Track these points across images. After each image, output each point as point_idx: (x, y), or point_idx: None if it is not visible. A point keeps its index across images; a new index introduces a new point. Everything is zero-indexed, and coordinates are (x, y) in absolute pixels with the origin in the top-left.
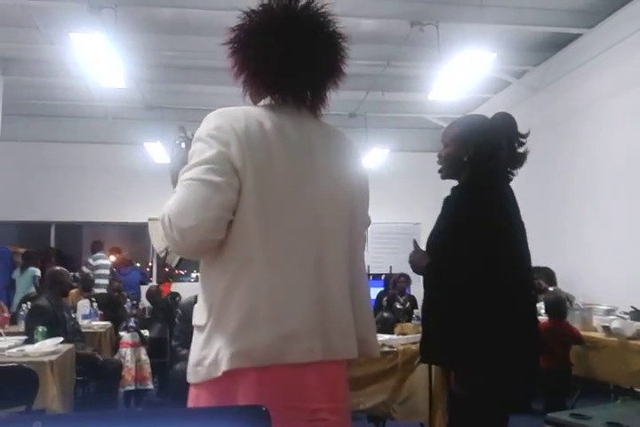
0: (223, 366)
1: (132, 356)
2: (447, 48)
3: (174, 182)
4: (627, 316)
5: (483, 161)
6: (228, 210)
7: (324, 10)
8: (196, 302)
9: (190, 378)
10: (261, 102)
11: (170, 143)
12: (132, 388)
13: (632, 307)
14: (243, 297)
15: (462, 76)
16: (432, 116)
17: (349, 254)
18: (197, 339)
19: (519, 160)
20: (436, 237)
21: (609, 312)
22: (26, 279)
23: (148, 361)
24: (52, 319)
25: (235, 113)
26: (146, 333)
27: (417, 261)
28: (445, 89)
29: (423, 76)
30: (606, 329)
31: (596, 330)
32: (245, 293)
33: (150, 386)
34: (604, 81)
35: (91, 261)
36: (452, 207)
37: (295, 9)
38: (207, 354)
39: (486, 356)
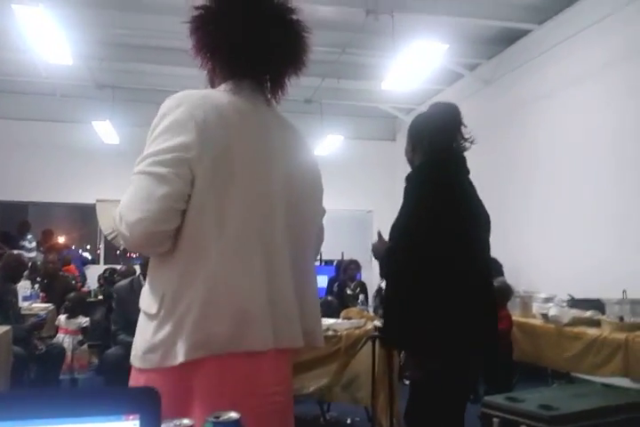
0: (180, 357)
1: (69, 344)
2: (402, 38)
3: None
4: (564, 304)
5: (423, 149)
6: (175, 200)
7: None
8: (132, 285)
9: (137, 363)
10: (222, 87)
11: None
12: (67, 377)
13: (569, 295)
14: (200, 286)
15: (415, 66)
16: (386, 105)
17: (296, 246)
18: (147, 326)
19: (465, 145)
20: (393, 224)
21: (548, 300)
22: None
23: (86, 348)
24: None
25: (195, 99)
26: (83, 319)
27: (377, 249)
28: (398, 79)
29: (378, 64)
30: (544, 316)
31: (535, 317)
32: (202, 282)
33: (85, 375)
34: (551, 76)
35: (27, 244)
36: (405, 194)
37: None
38: (161, 342)
39: (441, 341)
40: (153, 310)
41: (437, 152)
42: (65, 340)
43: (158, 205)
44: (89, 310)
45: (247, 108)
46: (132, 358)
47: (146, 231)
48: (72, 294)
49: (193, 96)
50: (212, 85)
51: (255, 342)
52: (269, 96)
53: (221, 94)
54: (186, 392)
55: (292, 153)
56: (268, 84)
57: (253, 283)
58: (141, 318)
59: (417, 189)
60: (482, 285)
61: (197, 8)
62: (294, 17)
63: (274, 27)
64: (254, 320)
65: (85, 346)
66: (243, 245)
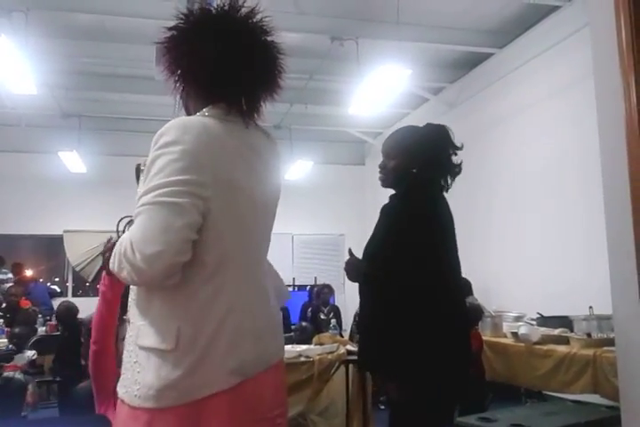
0: (216, 387)
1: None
2: (366, 63)
3: None
4: (534, 322)
5: (426, 172)
6: (193, 231)
7: (263, 22)
8: None
9: (150, 403)
10: (205, 112)
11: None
12: (24, 413)
13: (538, 313)
14: (222, 315)
15: (380, 91)
16: (354, 129)
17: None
18: (162, 363)
19: (456, 171)
20: (373, 246)
21: (517, 319)
22: None
23: (34, 384)
24: None
25: (196, 128)
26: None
27: (354, 268)
28: (365, 103)
29: (344, 90)
30: (515, 335)
31: (506, 336)
32: (224, 311)
33: (38, 413)
34: (514, 97)
35: (2, 275)
36: (390, 217)
37: (233, 16)
38: (183, 377)
39: (416, 364)
40: (167, 345)
41: (431, 164)
42: (15, 376)
43: (178, 235)
44: (53, 345)
45: (236, 134)
46: (132, 398)
47: (166, 264)
48: (16, 330)
49: (195, 126)
50: (187, 110)
51: (271, 356)
52: (246, 119)
53: (212, 121)
54: None
55: (274, 173)
56: (244, 107)
57: (262, 303)
58: (146, 356)
59: (405, 216)
60: (460, 307)
61: (170, 28)
62: (269, 38)
63: (248, 48)
64: (267, 338)
65: (34, 382)
66: (249, 270)
